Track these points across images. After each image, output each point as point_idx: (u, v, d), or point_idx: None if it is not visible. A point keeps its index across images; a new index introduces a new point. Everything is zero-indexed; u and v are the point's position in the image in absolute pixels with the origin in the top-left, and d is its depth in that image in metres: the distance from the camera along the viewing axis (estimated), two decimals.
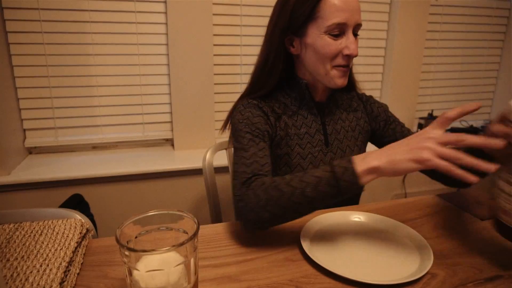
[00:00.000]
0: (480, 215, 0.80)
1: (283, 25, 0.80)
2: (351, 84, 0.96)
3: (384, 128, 0.96)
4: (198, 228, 0.46)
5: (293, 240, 0.68)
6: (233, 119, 0.85)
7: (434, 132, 0.60)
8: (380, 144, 0.98)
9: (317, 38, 0.77)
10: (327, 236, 0.70)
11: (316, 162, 0.89)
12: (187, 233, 0.49)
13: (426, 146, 0.57)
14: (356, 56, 0.78)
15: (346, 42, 0.76)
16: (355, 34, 0.78)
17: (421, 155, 0.56)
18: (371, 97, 1.00)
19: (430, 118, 1.96)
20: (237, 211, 0.69)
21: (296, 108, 0.89)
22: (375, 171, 0.60)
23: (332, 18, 0.74)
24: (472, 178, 0.53)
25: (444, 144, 0.57)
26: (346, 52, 0.77)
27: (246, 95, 0.89)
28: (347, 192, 0.61)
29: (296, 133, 0.88)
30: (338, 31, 0.75)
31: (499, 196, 0.59)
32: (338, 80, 0.80)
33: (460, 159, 0.54)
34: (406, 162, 0.57)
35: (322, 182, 0.62)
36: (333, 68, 0.79)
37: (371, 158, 0.60)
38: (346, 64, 0.79)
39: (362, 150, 0.95)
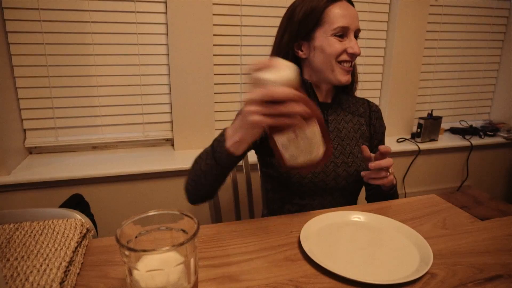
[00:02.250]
0: (480, 215, 0.80)
1: (292, 33, 0.91)
2: (352, 86, 1.03)
3: (374, 146, 1.04)
4: (198, 228, 0.46)
5: (293, 240, 0.69)
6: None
7: (247, 95, 0.60)
8: None
9: (324, 40, 0.88)
10: (327, 236, 0.70)
11: None
12: (187, 233, 0.49)
13: (246, 111, 0.60)
14: (359, 54, 0.89)
15: (350, 43, 0.88)
16: (356, 36, 0.90)
17: (249, 121, 0.59)
18: (379, 111, 1.07)
19: (430, 118, 1.96)
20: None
21: None
22: (241, 142, 0.67)
23: (337, 22, 0.86)
24: (295, 121, 0.58)
25: (260, 100, 0.58)
26: (350, 51, 0.88)
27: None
28: (224, 164, 0.71)
29: None
30: (342, 33, 0.87)
31: None
32: (342, 77, 0.90)
33: (280, 111, 0.57)
34: (250, 130, 0.64)
35: (208, 156, 0.74)
36: (337, 65, 0.89)
37: (235, 131, 0.67)
38: (350, 60, 0.89)
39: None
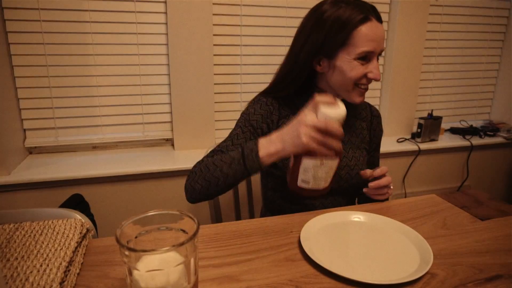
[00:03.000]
0: (480, 215, 0.80)
1: (315, 47, 0.86)
2: None
3: (372, 151, 1.05)
4: (198, 228, 0.46)
5: (293, 240, 0.69)
6: (246, 107, 0.95)
7: (308, 118, 0.67)
8: None
9: (345, 62, 0.84)
10: (327, 236, 0.70)
11: None
12: (187, 233, 0.49)
13: (302, 132, 0.66)
14: (378, 80, 0.88)
15: (371, 68, 0.85)
16: (379, 56, 0.88)
17: (301, 140, 0.66)
18: (380, 117, 1.07)
19: (430, 118, 1.96)
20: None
21: None
22: (274, 155, 0.72)
23: (362, 46, 0.82)
24: (331, 153, 0.66)
25: (317, 129, 0.66)
26: (370, 76, 0.86)
27: (264, 92, 0.97)
28: (253, 171, 0.75)
29: None
30: (365, 57, 0.84)
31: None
32: (357, 98, 0.90)
33: (327, 143, 0.66)
34: (292, 147, 0.69)
35: (234, 161, 0.76)
36: (355, 88, 0.88)
37: (271, 143, 0.73)
38: (367, 84, 0.88)
39: (363, 155, 1.00)
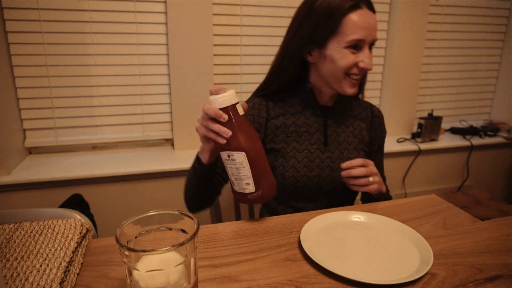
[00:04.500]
0: (480, 215, 0.80)
1: (305, 36, 0.86)
2: (358, 91, 1.00)
3: (373, 152, 1.03)
4: (198, 228, 0.46)
5: (293, 240, 0.68)
6: None
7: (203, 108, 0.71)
8: None
9: (336, 50, 0.83)
10: (327, 236, 0.70)
11: (312, 158, 0.93)
12: (187, 233, 0.49)
13: (196, 119, 0.73)
14: (370, 70, 0.86)
15: (362, 57, 0.83)
16: (371, 46, 0.86)
17: (196, 129, 0.73)
18: (382, 117, 1.04)
19: (430, 118, 1.96)
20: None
21: (301, 108, 0.95)
22: (203, 151, 0.78)
23: (352, 34, 0.81)
24: (219, 139, 0.68)
25: (207, 115, 0.68)
26: (361, 65, 0.84)
27: (254, 92, 0.98)
28: (197, 170, 0.82)
29: (295, 130, 0.94)
30: (356, 45, 0.83)
31: None
32: (349, 89, 0.87)
33: (208, 125, 0.68)
34: (201, 139, 0.75)
35: (190, 170, 0.85)
36: (346, 77, 0.86)
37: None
38: (359, 73, 0.86)
39: (360, 156, 0.97)
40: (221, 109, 0.67)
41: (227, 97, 0.67)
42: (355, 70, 0.85)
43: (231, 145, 0.68)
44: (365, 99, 1.06)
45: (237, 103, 0.69)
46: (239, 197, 0.74)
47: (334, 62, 0.84)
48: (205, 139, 0.73)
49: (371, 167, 0.85)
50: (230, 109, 0.67)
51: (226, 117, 0.67)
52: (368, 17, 0.82)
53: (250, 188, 0.70)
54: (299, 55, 0.88)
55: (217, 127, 0.67)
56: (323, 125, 0.95)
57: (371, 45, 0.85)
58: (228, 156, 0.69)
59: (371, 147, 1.02)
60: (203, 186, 0.86)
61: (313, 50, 0.87)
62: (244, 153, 0.68)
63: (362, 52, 0.84)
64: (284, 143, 0.93)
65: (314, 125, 0.94)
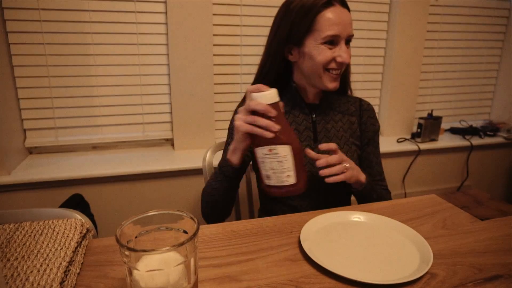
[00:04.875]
0: (480, 215, 0.80)
1: (283, 36, 0.89)
2: (344, 87, 1.02)
3: (364, 145, 1.02)
4: (198, 228, 0.46)
5: (293, 240, 0.69)
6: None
7: (242, 107, 0.74)
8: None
9: (313, 47, 0.87)
10: (327, 236, 0.70)
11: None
12: (187, 233, 0.49)
13: (235, 119, 0.74)
14: (347, 63, 0.90)
15: (339, 51, 0.87)
16: (348, 42, 0.89)
17: (235, 125, 0.73)
18: (371, 110, 1.04)
19: (430, 118, 1.96)
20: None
21: (289, 108, 0.98)
22: (234, 151, 0.80)
23: (327, 30, 0.84)
24: (267, 133, 0.68)
25: (248, 111, 0.71)
26: (339, 60, 0.87)
27: (243, 98, 0.97)
28: (227, 173, 0.83)
29: None
30: (332, 41, 0.86)
31: None
32: (329, 84, 0.90)
33: (255, 120, 0.69)
34: (236, 136, 0.76)
35: (216, 173, 0.86)
36: (325, 73, 0.89)
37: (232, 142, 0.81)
38: (338, 68, 0.89)
39: (352, 150, 0.99)
40: (268, 105, 0.69)
41: (274, 94, 0.70)
42: (333, 65, 0.88)
43: (277, 139, 0.69)
44: (365, 99, 1.06)
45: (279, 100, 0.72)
46: (274, 191, 0.73)
47: (313, 58, 0.87)
48: (244, 137, 0.74)
49: (341, 153, 0.84)
50: (275, 106, 0.70)
51: (275, 112, 0.69)
52: (341, 13, 0.85)
53: (291, 180, 0.70)
54: (281, 55, 0.92)
55: (265, 122, 0.68)
56: (312, 123, 0.97)
57: (348, 40, 0.89)
58: (270, 150, 0.70)
59: (362, 140, 1.02)
60: (234, 190, 0.88)
61: (292, 49, 0.91)
62: (290, 146, 0.69)
63: (338, 47, 0.87)
64: None
65: (303, 123, 0.97)
